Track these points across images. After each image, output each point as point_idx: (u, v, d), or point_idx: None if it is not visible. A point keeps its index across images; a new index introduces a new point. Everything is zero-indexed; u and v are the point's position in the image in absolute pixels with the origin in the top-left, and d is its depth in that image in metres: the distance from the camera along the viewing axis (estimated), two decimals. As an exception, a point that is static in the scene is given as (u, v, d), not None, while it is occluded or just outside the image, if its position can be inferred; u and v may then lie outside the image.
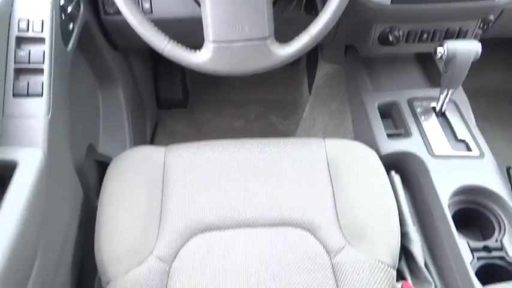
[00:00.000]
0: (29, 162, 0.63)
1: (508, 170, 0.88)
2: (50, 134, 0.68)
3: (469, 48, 0.86)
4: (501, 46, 1.47)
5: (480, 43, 0.86)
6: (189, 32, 0.81)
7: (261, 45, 0.73)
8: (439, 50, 0.86)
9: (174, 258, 0.71)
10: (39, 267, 0.61)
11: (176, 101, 1.52)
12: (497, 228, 0.80)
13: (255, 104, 1.54)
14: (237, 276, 0.69)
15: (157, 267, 0.69)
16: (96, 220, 0.75)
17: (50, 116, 0.69)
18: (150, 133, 1.38)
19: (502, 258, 0.75)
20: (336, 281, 0.69)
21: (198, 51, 0.74)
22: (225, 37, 0.72)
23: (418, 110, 0.99)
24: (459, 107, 1.01)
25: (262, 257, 0.71)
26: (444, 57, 0.86)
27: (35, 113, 0.68)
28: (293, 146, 0.85)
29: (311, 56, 1.48)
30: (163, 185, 0.79)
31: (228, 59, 0.74)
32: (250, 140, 0.86)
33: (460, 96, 1.04)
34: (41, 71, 0.70)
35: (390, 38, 0.97)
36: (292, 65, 1.55)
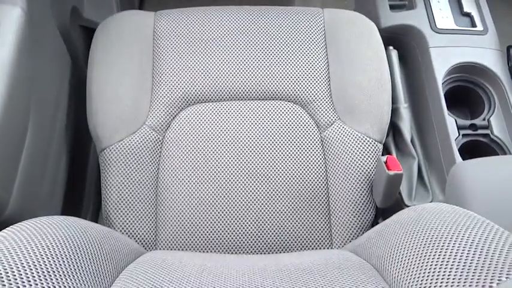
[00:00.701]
0: (8, 20, 0.59)
1: (508, 48, 0.85)
2: None
3: None
4: None
5: None
6: None
7: None
8: None
9: (167, 128, 0.72)
10: (32, 133, 0.62)
11: None
12: (487, 106, 0.80)
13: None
14: (227, 147, 0.71)
15: (151, 137, 0.71)
16: (87, 89, 0.74)
17: None
18: None
19: (486, 135, 0.77)
20: (323, 153, 0.71)
21: None
22: None
23: None
24: None
25: (253, 129, 0.72)
26: None
27: None
28: (290, 14, 0.80)
29: None
30: (153, 52, 0.76)
31: None
32: (245, 7, 0.81)
33: None
34: None
35: None
36: None
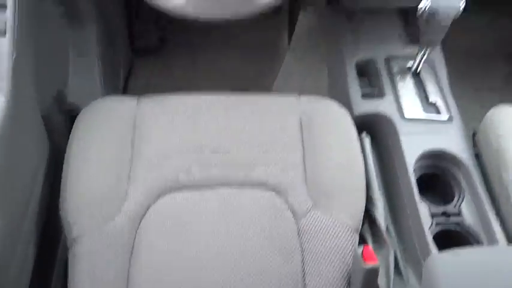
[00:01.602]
0: None
1: (473, 135, 0.90)
2: (14, 77, 0.64)
3: (452, 3, 0.84)
4: (484, 5, 1.44)
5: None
6: None
7: None
8: (422, 3, 0.84)
9: (143, 216, 0.71)
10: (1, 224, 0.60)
11: (152, 48, 1.46)
12: (457, 194, 0.83)
13: (233, 53, 1.50)
14: (203, 237, 0.70)
15: (125, 225, 0.69)
16: (63, 173, 0.74)
17: (14, 57, 0.64)
18: (123, 81, 1.34)
19: (458, 224, 0.79)
20: (300, 244, 0.70)
21: None
22: None
23: (395, 69, 0.99)
24: (435, 68, 1.01)
25: (230, 219, 0.71)
26: (426, 12, 0.84)
27: None
28: (267, 102, 0.84)
29: (293, 7, 1.43)
30: (133, 140, 0.78)
31: (207, 2, 0.70)
32: (224, 96, 0.85)
33: (437, 56, 1.04)
34: (3, 7, 0.64)
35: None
36: (273, 14, 1.50)
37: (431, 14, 0.83)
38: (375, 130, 0.93)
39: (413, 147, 0.85)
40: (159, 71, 1.44)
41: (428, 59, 0.98)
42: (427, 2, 0.82)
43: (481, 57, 1.53)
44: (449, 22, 0.85)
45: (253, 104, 0.83)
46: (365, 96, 0.96)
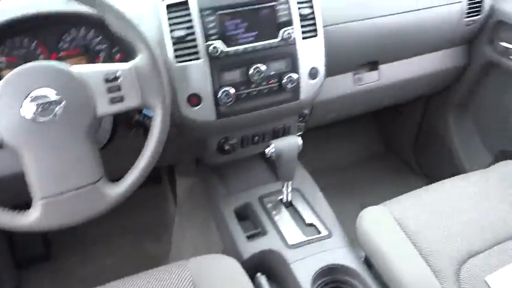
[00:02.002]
0: None
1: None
2: None
3: (292, 143, 0.98)
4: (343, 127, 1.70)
5: (300, 137, 0.99)
6: (14, 191, 0.78)
7: (92, 190, 0.72)
8: (267, 150, 0.97)
9: None
10: None
11: (37, 256, 1.39)
12: None
13: (126, 233, 1.49)
14: None
15: None
16: None
17: None
18: None
19: None
20: None
21: (26, 211, 0.71)
22: (53, 191, 0.70)
23: (269, 205, 1.07)
24: (305, 193, 1.11)
25: None
26: (273, 155, 0.97)
27: None
28: (158, 277, 0.83)
29: (170, 173, 1.52)
30: None
31: (59, 212, 0.71)
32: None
33: (305, 181, 1.15)
34: None
35: (226, 147, 1.06)
36: (155, 185, 1.57)
37: (278, 155, 0.96)
38: (268, 267, 0.96)
39: (305, 271, 0.88)
40: (49, 279, 1.35)
41: (296, 187, 1.09)
42: (271, 148, 0.96)
43: (352, 168, 1.75)
44: (295, 158, 0.98)
45: (146, 284, 0.82)
46: (251, 237, 1.00)
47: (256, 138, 1.10)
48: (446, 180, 1.08)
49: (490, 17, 1.25)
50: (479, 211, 0.97)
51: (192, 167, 1.36)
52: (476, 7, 1.21)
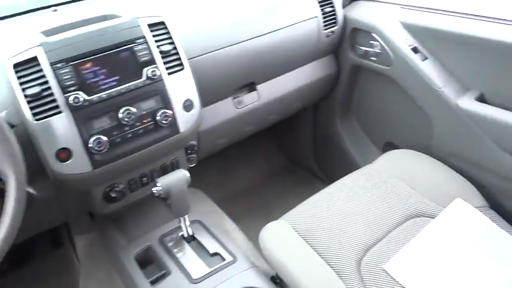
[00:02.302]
0: None
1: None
2: None
3: (179, 178, 0.97)
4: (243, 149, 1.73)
5: (187, 170, 0.99)
6: None
7: None
8: (154, 189, 0.95)
9: None
10: None
11: None
12: None
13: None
14: None
15: None
16: None
17: None
18: None
19: None
20: None
21: None
22: None
23: (170, 244, 1.04)
24: (206, 223, 1.10)
25: None
26: (162, 193, 0.95)
27: None
28: None
29: (69, 233, 1.43)
30: None
31: None
32: None
33: (208, 211, 1.15)
34: None
35: (113, 195, 1.02)
36: (57, 249, 1.47)
37: (167, 192, 0.95)
38: None
39: None
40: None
41: (196, 219, 1.08)
42: (158, 188, 0.94)
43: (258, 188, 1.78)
44: (185, 191, 0.97)
45: None
46: (154, 282, 0.97)
47: (145, 179, 1.07)
48: (337, 181, 1.14)
49: (346, 26, 1.37)
50: (367, 205, 1.04)
51: (87, 222, 1.29)
52: (331, 19, 1.32)
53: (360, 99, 1.52)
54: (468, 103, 1.10)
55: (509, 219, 1.03)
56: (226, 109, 1.23)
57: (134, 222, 1.15)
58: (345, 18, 1.35)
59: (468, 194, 1.08)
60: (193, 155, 1.18)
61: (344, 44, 1.41)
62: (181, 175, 0.97)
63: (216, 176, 1.78)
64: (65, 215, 1.11)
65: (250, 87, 1.28)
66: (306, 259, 0.94)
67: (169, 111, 0.96)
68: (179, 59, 0.99)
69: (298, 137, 1.85)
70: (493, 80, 1.08)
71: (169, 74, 0.97)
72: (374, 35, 1.28)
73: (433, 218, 1.02)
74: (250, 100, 1.27)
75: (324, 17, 1.31)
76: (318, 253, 0.94)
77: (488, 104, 1.08)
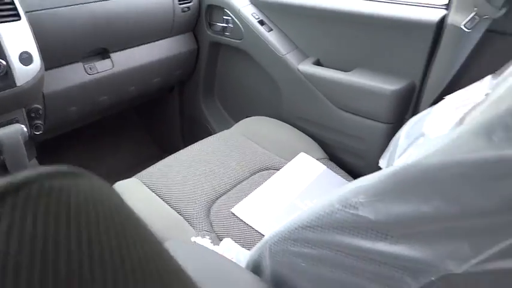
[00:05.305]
0: None
1: None
2: None
3: (14, 130, 0.90)
4: (111, 140, 1.64)
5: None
6: None
7: None
8: None
9: None
10: None
11: None
12: None
13: None
14: None
15: None
16: None
17: None
18: None
19: None
20: None
21: None
22: None
23: None
24: None
25: None
26: None
27: None
28: None
29: None
30: None
31: None
32: None
33: None
34: None
35: None
36: None
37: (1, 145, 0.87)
38: None
39: None
40: None
41: None
42: None
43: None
44: (21, 145, 0.90)
45: None
46: None
47: None
48: (192, 145, 1.17)
49: (202, 3, 1.43)
50: (219, 163, 1.08)
51: None
52: (186, -6, 1.37)
53: (221, 79, 1.58)
54: (307, 67, 1.22)
55: (345, 168, 1.16)
56: (75, 74, 1.18)
57: None
58: (201, -5, 1.41)
59: (311, 149, 1.19)
60: (39, 121, 1.11)
61: (201, 21, 1.46)
62: (16, 128, 0.90)
63: (82, 165, 1.67)
64: None
65: (104, 55, 1.25)
66: (157, 211, 0.94)
67: (3, 62, 0.89)
68: (15, 8, 0.93)
69: (166, 123, 1.84)
70: (325, 47, 1.22)
71: (2, 22, 0.90)
72: (226, 10, 1.35)
73: (279, 170, 1.10)
74: (104, 67, 1.24)
75: (179, -9, 1.35)
76: (169, 205, 0.95)
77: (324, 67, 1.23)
